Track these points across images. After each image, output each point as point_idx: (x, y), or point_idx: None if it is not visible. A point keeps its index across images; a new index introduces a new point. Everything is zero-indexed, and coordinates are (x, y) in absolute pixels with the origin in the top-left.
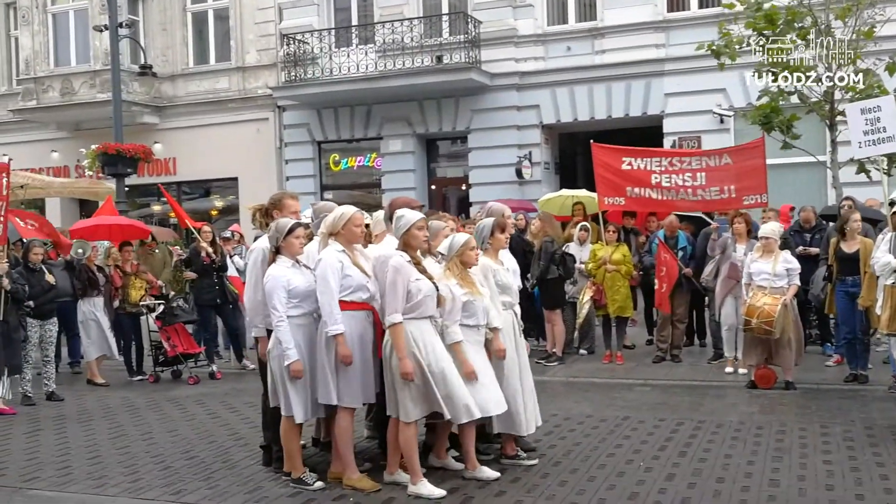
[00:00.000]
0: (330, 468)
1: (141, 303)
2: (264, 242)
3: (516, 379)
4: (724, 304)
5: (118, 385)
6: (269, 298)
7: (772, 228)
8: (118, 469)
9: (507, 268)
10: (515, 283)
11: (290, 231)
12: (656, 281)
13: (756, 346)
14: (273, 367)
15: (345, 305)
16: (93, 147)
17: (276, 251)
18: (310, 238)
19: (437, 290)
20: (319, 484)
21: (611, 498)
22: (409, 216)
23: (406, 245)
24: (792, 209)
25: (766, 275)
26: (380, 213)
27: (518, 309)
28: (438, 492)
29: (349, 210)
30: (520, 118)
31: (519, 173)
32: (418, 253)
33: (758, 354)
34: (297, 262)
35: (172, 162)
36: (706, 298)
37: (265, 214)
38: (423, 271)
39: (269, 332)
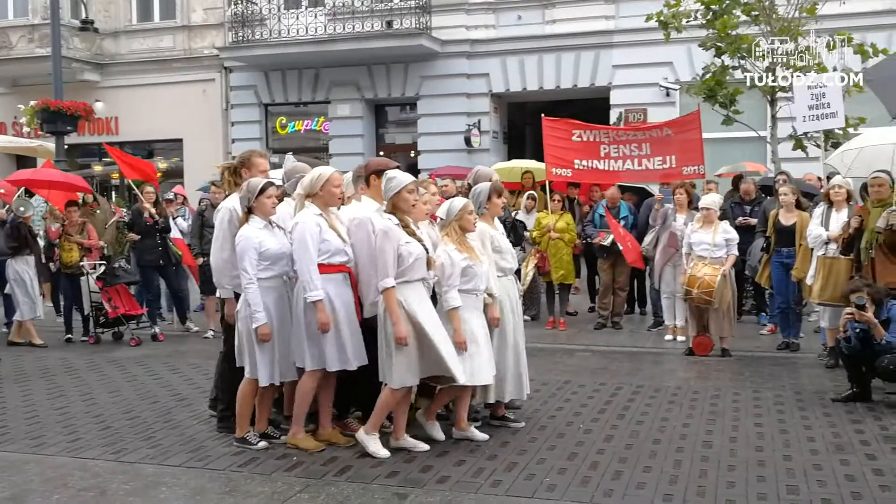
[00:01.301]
0: (318, 431)
1: (80, 264)
2: (232, 202)
3: (511, 346)
4: (664, 272)
5: (56, 346)
6: (240, 260)
7: (712, 199)
8: (56, 429)
9: (502, 233)
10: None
11: (263, 191)
12: (619, 244)
13: (695, 315)
14: (240, 329)
15: (323, 269)
16: (31, 103)
17: (249, 211)
18: (281, 198)
19: (427, 252)
20: (263, 444)
21: (551, 458)
22: (401, 178)
23: (395, 207)
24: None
25: (706, 245)
26: (348, 175)
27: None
28: (384, 452)
29: (327, 171)
30: (469, 86)
31: (468, 141)
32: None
33: (696, 323)
34: (270, 223)
35: (114, 121)
36: (647, 267)
37: (233, 173)
38: (413, 234)
39: (237, 295)
